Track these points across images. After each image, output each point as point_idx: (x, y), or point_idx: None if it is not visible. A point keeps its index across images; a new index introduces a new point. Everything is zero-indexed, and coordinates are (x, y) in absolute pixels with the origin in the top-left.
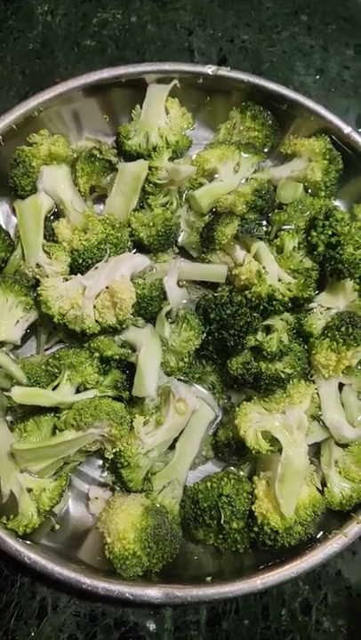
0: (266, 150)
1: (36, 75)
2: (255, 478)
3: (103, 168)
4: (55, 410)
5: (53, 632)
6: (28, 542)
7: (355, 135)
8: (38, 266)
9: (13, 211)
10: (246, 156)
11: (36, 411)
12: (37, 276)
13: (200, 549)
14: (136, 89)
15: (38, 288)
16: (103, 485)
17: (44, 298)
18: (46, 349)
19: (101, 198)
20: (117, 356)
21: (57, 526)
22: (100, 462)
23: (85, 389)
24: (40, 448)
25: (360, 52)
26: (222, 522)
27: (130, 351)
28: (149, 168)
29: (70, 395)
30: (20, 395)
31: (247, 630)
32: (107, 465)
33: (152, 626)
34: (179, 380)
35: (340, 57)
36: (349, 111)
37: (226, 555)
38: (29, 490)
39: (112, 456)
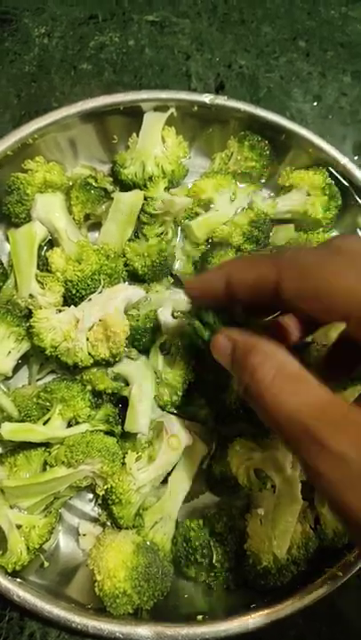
0: (263, 181)
1: (32, 98)
2: (248, 516)
3: (98, 196)
4: (46, 444)
5: None
6: (16, 579)
7: (351, 167)
8: (31, 296)
9: (7, 238)
10: (243, 185)
11: (27, 444)
12: (30, 307)
13: (191, 587)
14: (133, 116)
15: (31, 319)
16: (94, 520)
17: (36, 330)
18: (38, 380)
19: (96, 226)
20: (110, 390)
21: (46, 563)
22: (91, 496)
23: (77, 423)
24: (30, 485)
25: (357, 79)
26: (214, 561)
27: (123, 384)
28: (145, 198)
29: (61, 429)
30: (10, 431)
31: None
32: (98, 501)
33: None
34: (172, 413)
35: (338, 83)
36: (346, 139)
37: (218, 593)
38: (19, 526)
39: (103, 492)
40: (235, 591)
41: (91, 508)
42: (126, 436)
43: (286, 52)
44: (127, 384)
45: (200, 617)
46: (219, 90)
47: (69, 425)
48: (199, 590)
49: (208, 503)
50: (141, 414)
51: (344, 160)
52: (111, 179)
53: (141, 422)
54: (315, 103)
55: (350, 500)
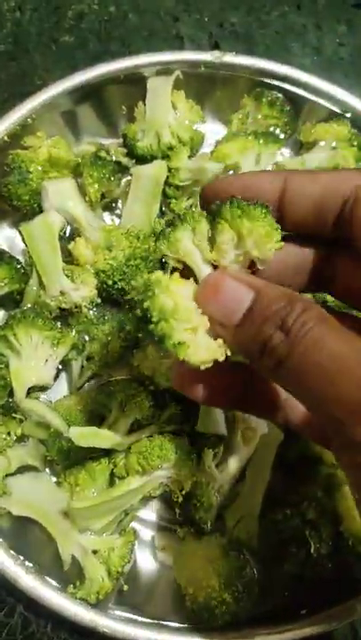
0: (282, 137)
1: (13, 78)
2: (336, 495)
3: (113, 171)
4: (107, 455)
5: None
6: (101, 611)
7: None
8: (62, 293)
9: (20, 234)
10: (267, 145)
11: (83, 459)
12: (63, 306)
13: (286, 583)
14: (133, 84)
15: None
16: (168, 530)
17: None
18: (79, 388)
19: (109, 206)
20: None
21: (125, 587)
22: (160, 505)
23: (139, 427)
24: (103, 502)
25: (352, 27)
26: (312, 550)
27: None
28: (168, 169)
29: (126, 434)
30: (79, 435)
31: None
32: (175, 508)
33: None
34: None
35: (335, 34)
36: (352, 90)
37: (313, 585)
38: (95, 551)
39: (181, 498)
40: (330, 580)
41: (162, 518)
42: (196, 436)
43: (277, 6)
44: None
45: (303, 611)
46: (214, 50)
47: (131, 430)
48: (293, 586)
49: (287, 491)
50: (217, 413)
51: None
52: (125, 150)
53: (218, 422)
54: (315, 57)
55: None
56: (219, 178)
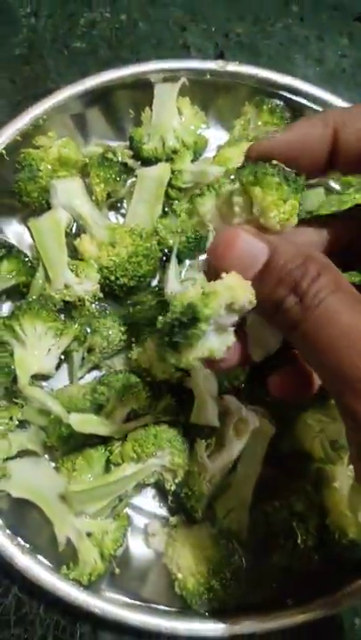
0: None
1: (27, 81)
2: (325, 490)
3: (119, 172)
4: (104, 443)
5: None
6: (94, 593)
7: None
8: (67, 287)
9: (28, 230)
10: None
11: (81, 446)
12: (67, 299)
13: (274, 574)
14: (141, 90)
15: None
16: (160, 518)
17: None
18: (79, 378)
19: (114, 205)
20: (174, 380)
21: (117, 570)
22: (153, 493)
23: (135, 417)
24: (98, 487)
25: (354, 40)
26: (299, 542)
27: (185, 374)
28: (172, 172)
29: (123, 423)
30: (79, 422)
31: None
32: (169, 497)
33: None
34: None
35: (336, 46)
36: (354, 101)
37: (300, 577)
38: (89, 534)
39: (174, 487)
40: (318, 571)
41: (155, 506)
42: (190, 427)
43: (281, 18)
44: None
45: (290, 601)
46: (219, 59)
47: (127, 419)
48: (281, 576)
49: (278, 484)
50: (211, 405)
51: None
52: (131, 152)
53: (212, 414)
54: (317, 68)
55: None
56: (267, 135)
